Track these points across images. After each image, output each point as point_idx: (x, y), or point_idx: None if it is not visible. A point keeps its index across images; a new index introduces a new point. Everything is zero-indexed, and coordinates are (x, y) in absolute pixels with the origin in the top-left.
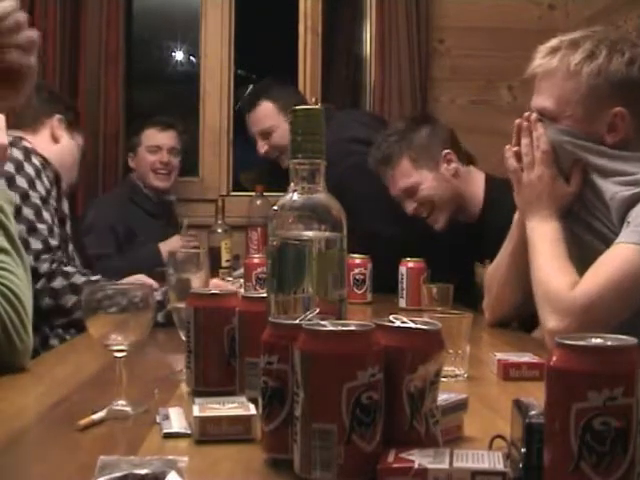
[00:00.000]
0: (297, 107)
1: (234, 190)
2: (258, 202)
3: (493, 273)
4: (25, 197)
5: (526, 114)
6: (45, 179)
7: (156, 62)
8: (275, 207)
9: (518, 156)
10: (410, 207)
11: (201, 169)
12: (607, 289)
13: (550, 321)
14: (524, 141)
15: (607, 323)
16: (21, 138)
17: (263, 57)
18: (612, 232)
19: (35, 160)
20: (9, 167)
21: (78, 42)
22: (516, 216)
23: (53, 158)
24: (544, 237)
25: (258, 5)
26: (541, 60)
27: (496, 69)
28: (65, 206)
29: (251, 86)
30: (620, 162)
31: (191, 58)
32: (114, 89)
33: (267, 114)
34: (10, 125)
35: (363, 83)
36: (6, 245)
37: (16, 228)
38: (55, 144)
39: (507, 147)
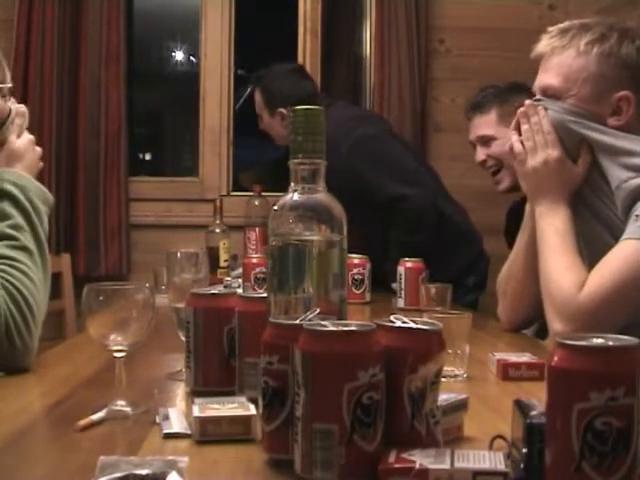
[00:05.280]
0: (297, 107)
1: (234, 190)
2: (256, 202)
3: (507, 274)
4: None
5: (527, 102)
6: None
7: (156, 62)
8: (275, 207)
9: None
10: (480, 156)
11: (201, 169)
12: (613, 292)
13: (556, 323)
14: (524, 127)
15: (613, 325)
16: None
17: (263, 57)
18: (617, 216)
19: None
20: None
21: (78, 42)
22: (528, 207)
23: None
24: (553, 226)
25: (258, 5)
26: (550, 40)
27: (496, 69)
28: None
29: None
30: (627, 141)
31: (191, 58)
32: (115, 89)
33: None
34: None
35: (363, 83)
36: (30, 245)
37: (46, 228)
38: None
39: (513, 132)
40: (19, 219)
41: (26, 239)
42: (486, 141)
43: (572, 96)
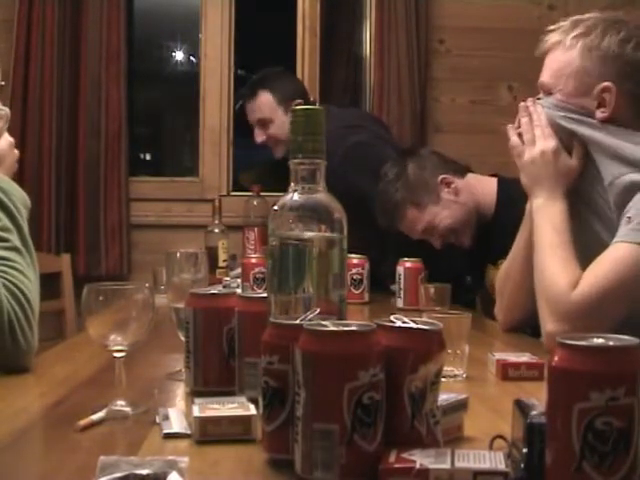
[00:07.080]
0: (297, 107)
1: (234, 190)
2: (255, 202)
3: (505, 273)
4: None
5: (529, 99)
6: None
7: (156, 62)
8: (275, 207)
9: (521, 137)
10: (437, 243)
11: (201, 169)
12: (605, 293)
13: (548, 323)
14: (523, 120)
15: (606, 326)
16: None
17: (263, 57)
18: (611, 210)
19: None
20: None
21: (78, 42)
22: (527, 206)
23: None
24: (550, 222)
25: (258, 5)
26: (548, 36)
27: (496, 69)
28: None
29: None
30: (618, 136)
31: (191, 58)
32: (115, 88)
33: (265, 104)
34: None
35: (363, 83)
36: (19, 245)
37: (27, 230)
38: None
39: (509, 126)
40: (6, 221)
41: (15, 239)
42: (430, 228)
43: (559, 91)
